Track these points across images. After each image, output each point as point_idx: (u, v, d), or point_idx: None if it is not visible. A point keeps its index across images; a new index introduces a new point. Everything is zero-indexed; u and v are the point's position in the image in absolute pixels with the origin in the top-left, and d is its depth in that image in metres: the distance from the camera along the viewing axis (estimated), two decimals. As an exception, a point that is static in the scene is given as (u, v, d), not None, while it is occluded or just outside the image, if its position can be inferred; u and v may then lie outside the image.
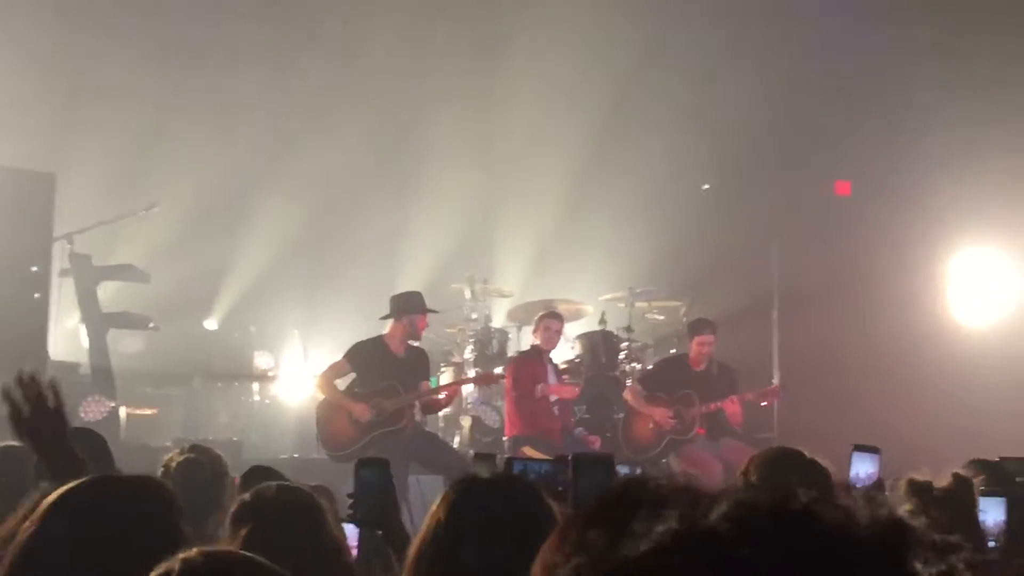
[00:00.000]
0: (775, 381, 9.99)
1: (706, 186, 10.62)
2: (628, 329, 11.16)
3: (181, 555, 1.97)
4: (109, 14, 11.85)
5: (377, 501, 3.95)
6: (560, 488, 4.82)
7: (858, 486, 4.70)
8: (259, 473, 4.29)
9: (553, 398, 9.70)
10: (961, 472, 4.32)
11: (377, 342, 9.39)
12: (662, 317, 11.35)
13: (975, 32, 11.17)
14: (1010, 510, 4.20)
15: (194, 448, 4.76)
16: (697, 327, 9.79)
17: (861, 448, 4.82)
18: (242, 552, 2.10)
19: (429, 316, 9.43)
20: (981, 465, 4.86)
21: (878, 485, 4.70)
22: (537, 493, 2.70)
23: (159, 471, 4.52)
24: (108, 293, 11.31)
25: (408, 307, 9.29)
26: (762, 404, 9.58)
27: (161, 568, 1.93)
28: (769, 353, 10.99)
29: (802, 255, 11.39)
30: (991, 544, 4.14)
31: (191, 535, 2.39)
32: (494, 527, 2.49)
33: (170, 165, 11.89)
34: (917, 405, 11.08)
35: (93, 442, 4.37)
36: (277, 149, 12.22)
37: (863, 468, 4.75)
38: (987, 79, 11.14)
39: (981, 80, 11.16)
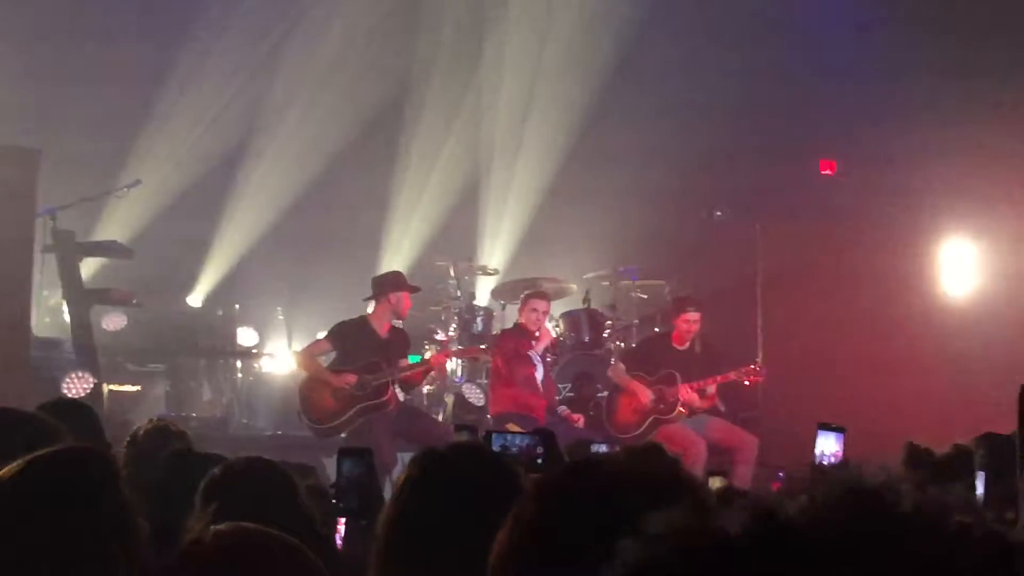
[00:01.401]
0: (759, 361, 10.03)
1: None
2: (612, 307, 11.25)
3: (214, 528, 2.05)
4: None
5: (360, 491, 4.04)
6: (539, 460, 4.94)
7: (824, 464, 4.85)
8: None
9: (539, 376, 9.76)
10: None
11: (360, 322, 9.54)
12: (646, 296, 11.41)
13: (968, 10, 11.24)
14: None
15: (162, 419, 4.83)
16: (682, 304, 9.85)
17: (826, 427, 4.98)
18: (270, 531, 2.14)
19: (413, 295, 9.54)
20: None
21: (842, 464, 4.80)
22: (501, 462, 2.73)
23: (125, 441, 4.56)
24: (91, 269, 11.39)
25: (391, 286, 9.41)
26: (745, 383, 9.62)
27: (192, 536, 2.01)
28: (753, 332, 11.05)
29: (786, 234, 11.39)
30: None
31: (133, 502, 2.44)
32: (456, 491, 2.51)
33: (154, 142, 11.90)
34: (902, 385, 11.13)
35: (83, 415, 4.42)
36: (261, 126, 12.24)
37: (828, 446, 4.89)
38: (975, 56, 11.21)
39: (969, 58, 11.21)
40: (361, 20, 12.29)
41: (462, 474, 2.60)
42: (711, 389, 9.55)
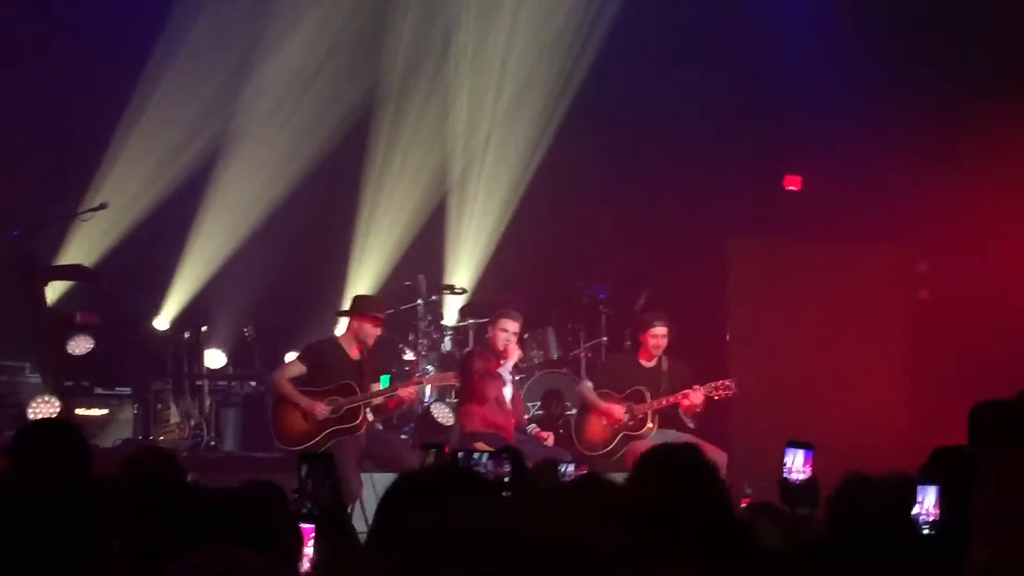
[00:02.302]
0: (729, 377, 10.02)
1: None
2: (580, 323, 11.25)
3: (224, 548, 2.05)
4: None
5: (320, 497, 4.02)
6: (506, 480, 4.99)
7: (791, 480, 4.90)
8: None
9: (508, 394, 9.77)
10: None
11: (332, 343, 9.55)
12: (615, 311, 11.41)
13: (931, 16, 11.36)
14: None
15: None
16: (648, 320, 9.87)
17: (794, 444, 5.04)
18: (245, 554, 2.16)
19: (381, 319, 9.48)
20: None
21: (811, 481, 4.89)
22: (475, 481, 2.79)
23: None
24: (56, 293, 11.32)
25: (355, 311, 9.43)
26: (715, 398, 9.64)
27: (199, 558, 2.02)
28: (722, 348, 11.08)
29: (754, 249, 11.47)
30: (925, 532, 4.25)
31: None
32: (427, 511, 2.55)
33: (119, 165, 11.86)
34: (872, 401, 11.19)
35: (66, 435, 4.39)
36: (226, 149, 12.16)
37: (796, 463, 4.95)
38: (942, 69, 11.32)
39: (933, 68, 11.32)
40: (322, 45, 12.29)
41: (434, 491, 2.63)
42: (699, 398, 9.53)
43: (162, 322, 11.80)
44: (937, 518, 4.22)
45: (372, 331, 9.38)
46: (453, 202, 12.53)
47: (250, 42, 12.10)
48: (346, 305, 9.97)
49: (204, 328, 11.51)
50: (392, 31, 12.39)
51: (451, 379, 9.82)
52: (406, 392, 9.38)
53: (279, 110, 12.30)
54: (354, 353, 9.33)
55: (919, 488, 4.34)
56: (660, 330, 9.70)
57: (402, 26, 12.41)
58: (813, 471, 4.98)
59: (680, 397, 9.55)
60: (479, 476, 3.56)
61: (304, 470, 4.08)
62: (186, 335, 11.38)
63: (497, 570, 2.29)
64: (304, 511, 4.00)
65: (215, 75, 12.04)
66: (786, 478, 4.99)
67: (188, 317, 11.77)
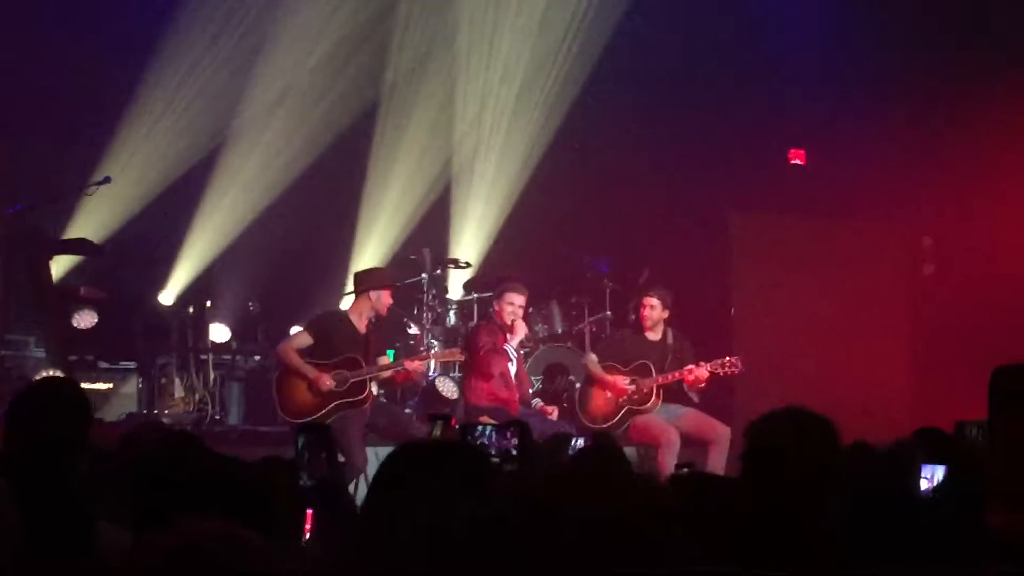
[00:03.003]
0: (735, 354, 9.99)
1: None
2: (584, 298, 11.25)
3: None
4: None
5: (318, 468, 3.99)
6: (513, 452, 4.95)
7: None
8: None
9: (513, 369, 9.75)
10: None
11: (339, 315, 9.51)
12: (619, 286, 11.41)
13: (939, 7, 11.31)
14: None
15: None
16: (642, 290, 9.90)
17: None
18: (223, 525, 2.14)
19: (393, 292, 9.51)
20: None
21: None
22: (473, 453, 2.79)
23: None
24: (61, 267, 11.28)
25: (373, 283, 9.37)
26: (720, 375, 9.59)
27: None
28: (727, 323, 11.12)
29: (758, 224, 11.47)
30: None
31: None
32: (425, 482, 2.54)
33: (128, 142, 11.82)
34: (878, 375, 11.24)
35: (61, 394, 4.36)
36: (238, 126, 12.13)
37: None
38: (942, 48, 11.28)
39: (936, 49, 11.28)
40: (333, 27, 12.24)
41: (433, 463, 2.60)
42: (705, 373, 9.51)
43: (167, 297, 11.78)
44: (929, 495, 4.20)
45: (388, 301, 9.38)
46: (459, 177, 12.51)
47: (263, 22, 12.05)
48: (350, 281, 9.92)
49: (208, 303, 11.47)
50: (403, 10, 12.31)
51: (458, 355, 9.78)
52: (414, 366, 9.35)
53: (290, 89, 12.24)
54: (361, 327, 9.31)
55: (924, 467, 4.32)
56: (652, 300, 9.70)
57: (413, 6, 12.36)
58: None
59: (686, 373, 9.52)
60: (478, 451, 3.48)
61: (301, 441, 4.05)
62: (190, 310, 11.34)
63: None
64: (300, 483, 3.97)
65: (227, 53, 11.97)
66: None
67: (193, 292, 11.73)
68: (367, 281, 9.43)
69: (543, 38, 12.35)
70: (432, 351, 10.43)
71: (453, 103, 12.52)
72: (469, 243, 12.24)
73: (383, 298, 9.32)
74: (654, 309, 9.72)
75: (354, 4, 12.28)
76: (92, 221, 11.59)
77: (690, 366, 9.54)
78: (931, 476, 4.26)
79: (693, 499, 3.00)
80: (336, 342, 9.19)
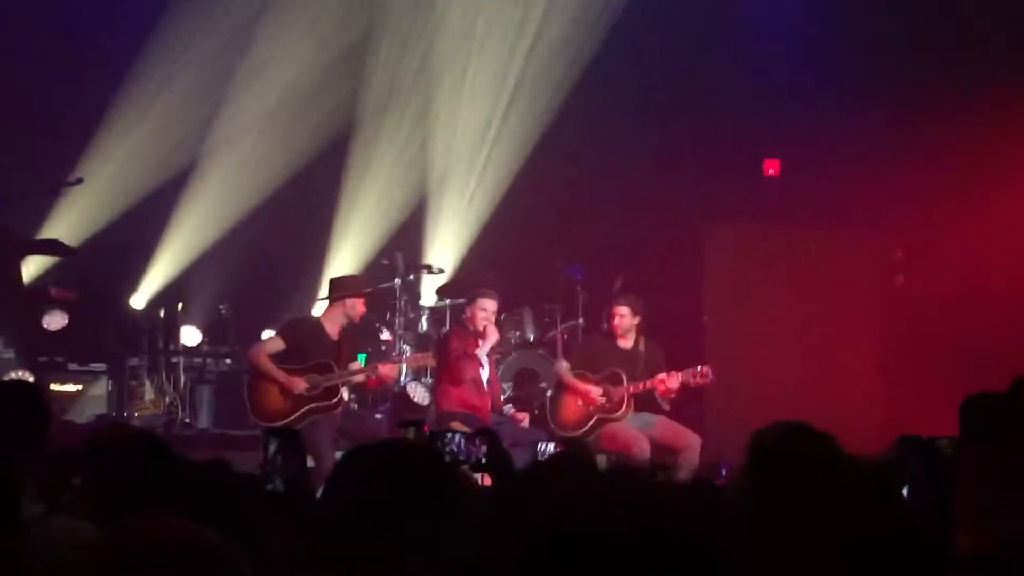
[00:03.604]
0: (706, 363, 9.97)
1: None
2: (557, 305, 11.26)
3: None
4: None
5: (288, 472, 4.08)
6: (482, 460, 4.96)
7: None
8: None
9: (484, 375, 9.72)
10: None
11: (312, 321, 9.51)
12: (592, 293, 11.35)
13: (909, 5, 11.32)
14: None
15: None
16: (612, 298, 9.87)
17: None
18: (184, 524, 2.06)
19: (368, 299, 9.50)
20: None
21: None
22: (427, 458, 2.70)
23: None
24: (32, 268, 11.21)
25: (348, 290, 9.36)
26: (691, 384, 9.57)
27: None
28: (699, 332, 11.08)
29: (731, 234, 11.44)
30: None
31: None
32: (375, 484, 2.48)
33: (105, 144, 11.77)
34: (850, 386, 11.21)
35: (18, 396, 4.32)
36: (209, 124, 12.10)
37: None
38: (914, 61, 11.33)
39: (907, 62, 11.34)
40: (310, 40, 12.21)
41: (386, 468, 2.55)
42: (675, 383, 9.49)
43: (139, 301, 11.73)
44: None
45: (361, 309, 9.37)
46: (435, 183, 12.47)
47: (243, 32, 11.99)
48: (324, 287, 9.90)
49: (180, 305, 11.45)
50: (382, 28, 12.29)
51: (429, 359, 9.77)
52: (386, 370, 9.32)
53: (267, 94, 12.21)
54: (334, 333, 9.29)
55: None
56: (621, 309, 9.67)
57: (392, 26, 12.33)
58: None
59: (657, 382, 9.48)
60: (434, 457, 3.42)
61: (272, 446, 4.02)
62: (161, 312, 11.31)
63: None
64: (270, 487, 4.00)
65: (207, 58, 11.93)
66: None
67: (165, 294, 11.69)
68: (341, 288, 9.41)
69: (520, 52, 12.31)
70: (404, 355, 10.41)
71: (431, 114, 12.49)
72: (443, 249, 12.20)
73: (357, 306, 9.30)
74: (624, 317, 9.68)
75: (337, 20, 12.23)
76: (66, 222, 11.53)
77: (662, 375, 9.51)
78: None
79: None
80: (308, 347, 9.16)
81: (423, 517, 2.32)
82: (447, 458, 4.89)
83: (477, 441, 4.93)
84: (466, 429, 8.42)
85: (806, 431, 3.11)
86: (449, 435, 5.01)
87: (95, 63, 11.62)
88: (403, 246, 11.62)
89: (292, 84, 12.20)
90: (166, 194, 11.96)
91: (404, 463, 2.52)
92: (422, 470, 2.48)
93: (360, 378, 9.33)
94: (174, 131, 11.98)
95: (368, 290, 9.50)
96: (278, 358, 9.20)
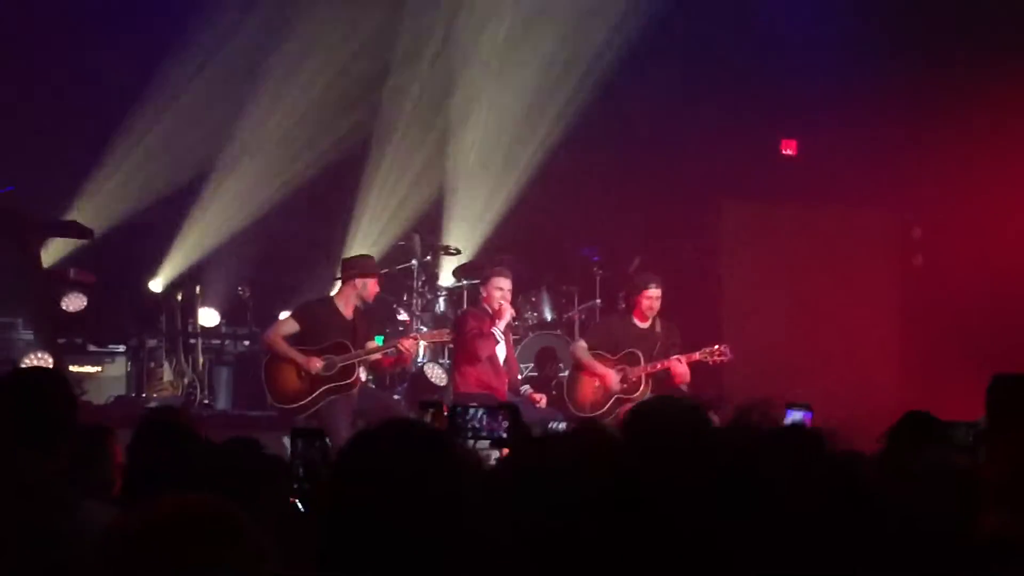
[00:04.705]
0: (724, 342, 9.91)
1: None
2: (574, 285, 11.24)
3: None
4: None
5: (313, 473, 3.98)
6: (503, 436, 4.90)
7: None
8: None
9: (502, 354, 9.67)
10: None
11: (326, 302, 9.45)
12: (609, 274, 11.34)
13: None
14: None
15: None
16: (643, 281, 9.76)
17: (793, 405, 5.18)
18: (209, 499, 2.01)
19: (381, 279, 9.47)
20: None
21: None
22: (436, 437, 2.54)
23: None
24: (51, 250, 11.22)
25: (359, 270, 9.33)
26: (710, 363, 9.54)
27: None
28: (716, 312, 11.15)
29: (748, 214, 11.48)
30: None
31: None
32: (382, 465, 2.33)
33: (131, 125, 11.80)
34: (868, 365, 11.24)
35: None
36: (229, 107, 12.04)
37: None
38: (934, 37, 11.22)
39: (927, 38, 11.24)
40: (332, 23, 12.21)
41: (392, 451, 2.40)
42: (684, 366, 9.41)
43: (158, 283, 11.71)
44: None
45: (375, 289, 9.36)
46: (455, 165, 12.44)
47: (276, 25, 11.99)
48: (339, 268, 9.85)
49: (198, 287, 11.43)
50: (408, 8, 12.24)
51: (445, 335, 9.75)
52: (405, 345, 9.25)
53: (290, 81, 12.20)
54: (348, 313, 9.26)
55: None
56: (654, 292, 9.59)
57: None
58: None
59: (674, 361, 9.43)
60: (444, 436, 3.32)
61: (298, 446, 4.03)
62: (179, 295, 11.27)
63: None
64: (295, 487, 3.94)
65: (233, 48, 11.90)
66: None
67: (184, 277, 11.69)
68: (353, 268, 9.39)
69: (544, 36, 12.23)
70: (421, 333, 10.30)
71: (453, 99, 12.44)
72: (461, 230, 12.14)
73: (369, 286, 9.28)
74: (658, 300, 9.63)
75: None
76: (91, 205, 11.54)
77: (678, 355, 9.47)
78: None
79: None
80: (323, 328, 9.15)
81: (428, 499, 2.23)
82: (469, 434, 4.80)
83: (500, 416, 4.87)
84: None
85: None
86: (471, 411, 4.91)
87: (130, 50, 11.59)
88: (422, 228, 11.58)
89: (320, 73, 12.16)
90: (190, 180, 11.98)
91: (408, 444, 2.39)
92: (427, 450, 2.36)
93: (377, 356, 9.29)
94: (203, 121, 11.94)
95: (380, 271, 9.48)
96: (294, 340, 9.18)
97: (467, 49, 12.32)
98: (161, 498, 1.94)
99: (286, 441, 7.20)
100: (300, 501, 3.89)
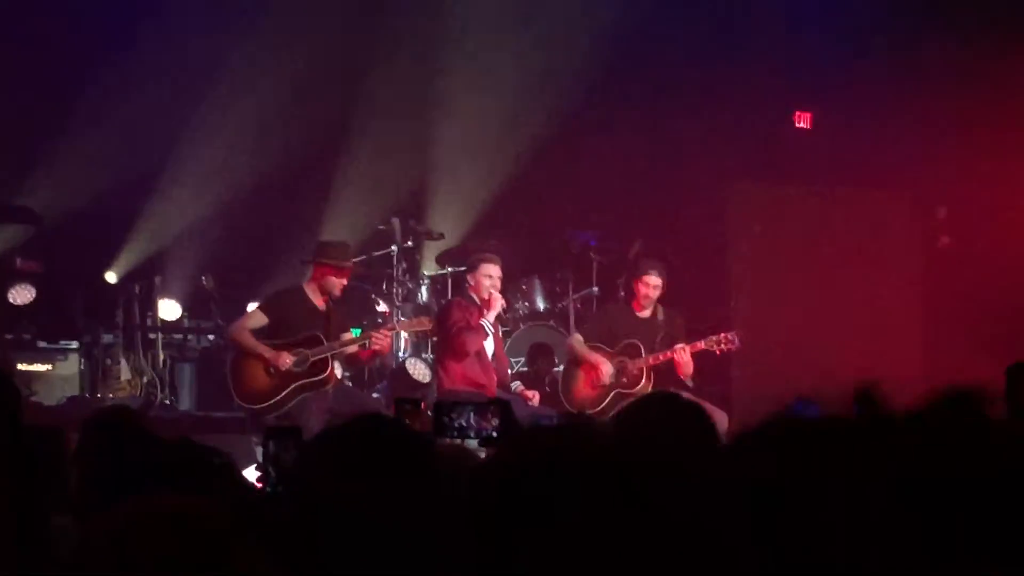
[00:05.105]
0: (732, 329, 9.92)
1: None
2: (568, 272, 11.26)
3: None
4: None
5: (288, 475, 3.82)
6: (494, 434, 4.90)
7: None
8: None
9: (490, 349, 9.67)
10: None
11: (297, 291, 9.43)
12: (607, 259, 11.36)
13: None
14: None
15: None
16: (641, 267, 9.77)
17: (804, 400, 4.99)
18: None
19: (348, 268, 9.43)
20: None
21: None
22: (410, 433, 2.64)
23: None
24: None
25: (327, 259, 9.33)
26: (717, 353, 9.56)
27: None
28: (724, 298, 11.13)
29: (759, 192, 11.46)
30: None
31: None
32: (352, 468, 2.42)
33: (81, 104, 11.81)
34: (887, 355, 11.17)
35: None
36: (194, 87, 12.13)
37: None
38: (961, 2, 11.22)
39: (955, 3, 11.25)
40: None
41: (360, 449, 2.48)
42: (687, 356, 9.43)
43: (114, 275, 11.74)
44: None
45: (336, 282, 9.30)
46: (439, 143, 12.45)
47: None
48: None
49: (158, 277, 11.43)
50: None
51: (425, 323, 9.70)
52: (380, 338, 9.22)
53: (261, 62, 12.20)
54: (320, 303, 9.26)
55: None
56: (654, 280, 9.60)
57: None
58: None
59: (678, 351, 9.42)
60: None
61: (270, 447, 3.99)
62: (137, 287, 11.28)
63: None
64: (269, 490, 3.92)
65: (199, 27, 11.95)
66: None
67: (142, 266, 11.71)
68: (322, 255, 9.38)
69: (543, 6, 12.27)
70: (399, 323, 10.33)
71: (439, 74, 12.46)
72: (446, 213, 12.16)
73: (330, 279, 9.28)
74: (656, 288, 9.64)
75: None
76: (39, 189, 11.52)
77: (681, 344, 9.48)
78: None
79: None
80: (294, 320, 9.15)
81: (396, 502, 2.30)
82: (455, 433, 4.80)
83: (489, 414, 4.84)
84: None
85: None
86: (458, 407, 4.88)
87: (88, 24, 11.67)
88: (403, 211, 11.58)
89: (295, 54, 12.18)
90: (151, 163, 12.00)
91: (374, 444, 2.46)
92: (394, 450, 2.42)
93: (353, 349, 9.26)
94: (166, 102, 12.02)
95: (349, 262, 9.41)
96: (263, 334, 9.18)
97: (457, 22, 12.31)
98: (126, 504, 1.96)
99: (256, 444, 7.29)
100: (274, 505, 3.77)
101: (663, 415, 3.51)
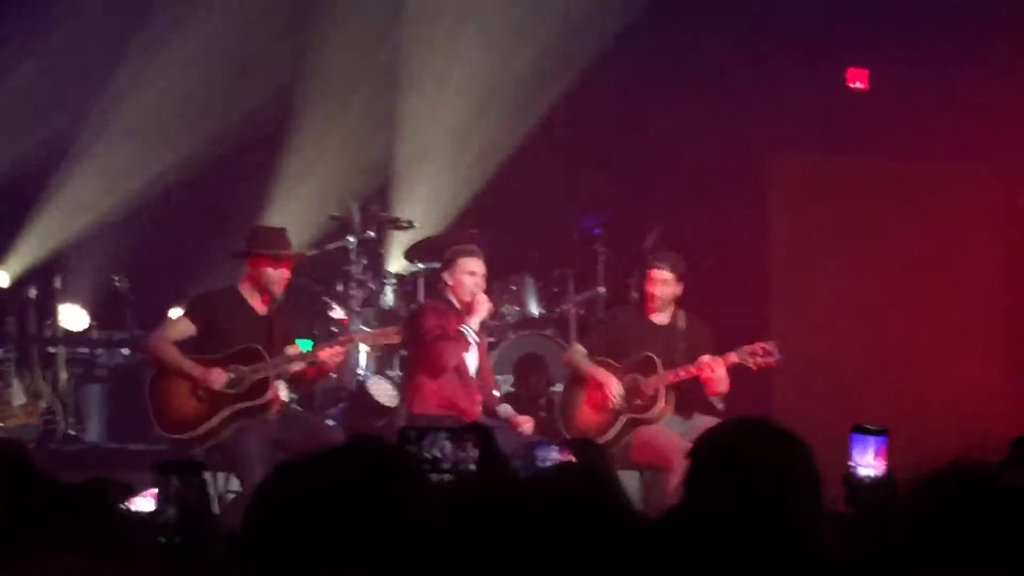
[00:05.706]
0: (770, 339, 9.68)
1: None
2: (569, 269, 11.22)
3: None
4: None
5: (187, 521, 3.93)
6: (471, 466, 4.81)
7: (859, 477, 4.98)
8: None
9: (473, 364, 9.54)
10: None
11: (229, 293, 9.25)
12: (616, 252, 11.39)
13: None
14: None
15: None
16: (648, 259, 9.71)
17: (862, 429, 5.11)
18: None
19: (293, 261, 9.28)
20: None
21: (886, 478, 4.93)
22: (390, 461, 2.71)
23: None
24: None
25: (256, 244, 9.14)
26: (752, 368, 9.32)
27: None
28: (762, 303, 11.17)
29: (805, 169, 11.53)
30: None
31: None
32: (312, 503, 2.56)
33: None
34: (958, 375, 11.23)
35: None
36: (108, 61, 12.14)
37: (865, 454, 5.01)
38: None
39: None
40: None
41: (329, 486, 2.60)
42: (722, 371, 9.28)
43: (4, 277, 11.74)
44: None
45: (275, 275, 9.07)
46: (404, 110, 12.45)
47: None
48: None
49: (58, 278, 11.41)
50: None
51: (392, 335, 9.56)
52: (329, 355, 9.05)
53: (189, 36, 12.33)
54: (260, 306, 9.08)
55: None
56: (661, 274, 9.47)
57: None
58: (888, 465, 5.02)
59: (703, 366, 9.24)
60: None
61: (170, 484, 3.98)
62: (31, 291, 11.22)
63: None
64: (162, 521, 3.92)
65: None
66: (853, 475, 5.02)
67: (39, 266, 11.75)
68: (252, 243, 9.20)
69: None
70: (357, 333, 10.25)
71: (401, 32, 12.57)
72: (416, 198, 12.18)
73: (267, 272, 9.02)
74: (666, 284, 9.48)
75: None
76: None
77: (707, 358, 9.27)
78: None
79: None
80: (228, 328, 8.96)
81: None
82: (427, 466, 4.87)
83: (468, 442, 4.90)
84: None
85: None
86: (430, 434, 4.96)
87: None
88: (364, 196, 11.61)
89: (229, 27, 12.32)
90: (50, 149, 12.03)
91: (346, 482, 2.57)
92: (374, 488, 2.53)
93: (300, 366, 9.10)
94: (71, 80, 12.06)
95: (273, 251, 9.14)
96: (190, 346, 8.99)
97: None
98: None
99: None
100: (174, 558, 3.92)
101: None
